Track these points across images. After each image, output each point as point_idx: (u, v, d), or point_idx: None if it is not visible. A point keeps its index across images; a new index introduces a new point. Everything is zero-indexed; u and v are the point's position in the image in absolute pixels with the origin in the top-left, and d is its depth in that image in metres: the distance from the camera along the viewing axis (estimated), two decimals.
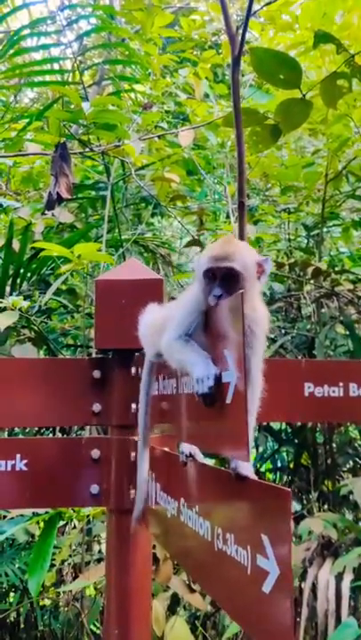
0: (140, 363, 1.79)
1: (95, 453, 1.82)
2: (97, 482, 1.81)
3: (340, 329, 3.84)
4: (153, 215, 5.30)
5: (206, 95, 4.59)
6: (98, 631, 3.85)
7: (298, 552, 3.06)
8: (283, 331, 3.71)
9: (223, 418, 0.92)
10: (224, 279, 1.25)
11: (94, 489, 1.80)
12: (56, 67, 4.44)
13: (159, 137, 4.05)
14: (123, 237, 4.19)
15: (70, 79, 4.05)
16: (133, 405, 1.78)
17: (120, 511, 1.78)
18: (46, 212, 3.37)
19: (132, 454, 1.77)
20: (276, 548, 0.85)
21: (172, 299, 4.51)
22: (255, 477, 1.02)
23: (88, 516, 2.62)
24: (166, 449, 1.60)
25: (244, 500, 1.00)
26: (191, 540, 1.17)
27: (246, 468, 1.01)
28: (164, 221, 6.21)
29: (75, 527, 3.27)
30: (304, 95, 2.29)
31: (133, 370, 1.82)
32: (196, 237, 4.19)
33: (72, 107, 3.66)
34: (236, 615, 1.02)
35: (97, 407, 1.85)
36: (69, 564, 3.75)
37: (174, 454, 1.37)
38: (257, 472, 3.98)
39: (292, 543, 3.19)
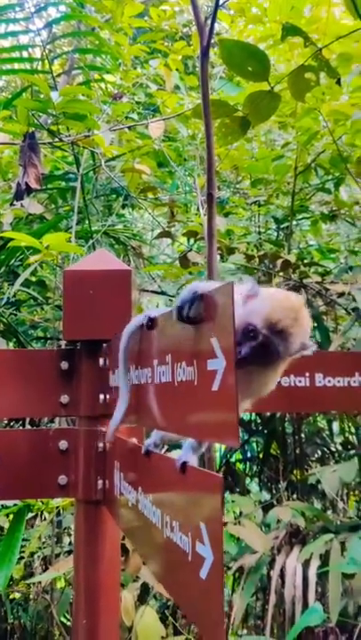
0: (108, 354, 1.79)
1: (63, 444, 1.82)
2: (65, 473, 1.81)
3: None
4: (124, 207, 5.28)
5: (177, 87, 4.57)
6: (68, 623, 3.85)
7: (267, 540, 3.10)
8: None
9: (209, 405, 0.93)
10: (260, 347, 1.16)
11: (62, 480, 1.80)
12: (25, 55, 4.37)
13: (129, 128, 4.02)
14: (93, 229, 4.17)
15: (39, 68, 4.00)
16: (101, 396, 1.79)
17: (88, 502, 1.78)
18: (15, 202, 3.32)
19: (100, 445, 1.77)
20: (211, 534, 0.87)
21: (144, 291, 4.51)
22: (195, 465, 1.04)
23: (58, 507, 2.61)
24: (134, 440, 1.61)
25: (186, 489, 1.02)
26: (147, 528, 1.19)
27: (188, 456, 1.03)
28: (135, 213, 6.19)
29: (45, 519, 3.26)
30: (272, 87, 2.30)
31: (102, 361, 1.81)
32: (167, 229, 4.19)
33: (41, 96, 3.61)
34: (180, 601, 1.05)
35: (65, 398, 1.85)
36: (39, 556, 3.73)
37: (138, 446, 1.38)
38: (227, 462, 4.02)
39: (262, 532, 3.23)
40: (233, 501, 3.43)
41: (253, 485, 4.23)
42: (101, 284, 1.83)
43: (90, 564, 1.82)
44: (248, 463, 4.22)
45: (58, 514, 3.46)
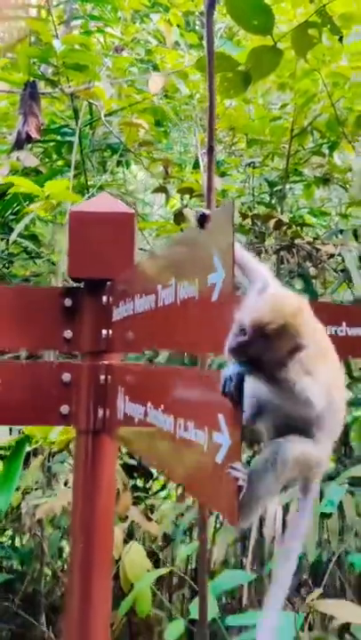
0: (112, 292, 1.88)
1: (66, 377, 1.91)
2: (67, 403, 1.90)
3: (299, 284, 3.99)
4: (118, 164, 5.29)
5: (177, 43, 4.56)
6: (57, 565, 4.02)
7: None
8: None
9: (208, 316, 1.03)
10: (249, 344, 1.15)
11: (64, 409, 1.90)
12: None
13: (130, 82, 4.03)
14: (89, 184, 4.20)
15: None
16: (104, 332, 1.88)
17: (89, 431, 1.88)
18: (15, 151, 3.34)
19: (102, 377, 1.87)
20: (229, 423, 0.98)
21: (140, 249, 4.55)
22: None
23: (52, 447, 2.73)
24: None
25: (203, 390, 1.13)
26: (157, 437, 1.30)
27: None
28: (128, 173, 6.20)
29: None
30: (276, 43, 2.35)
31: (105, 299, 1.90)
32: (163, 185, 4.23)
33: (42, 46, 3.60)
34: (193, 490, 1.17)
35: (68, 334, 1.93)
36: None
37: (139, 365, 1.49)
38: None
39: None
40: None
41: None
42: (106, 225, 1.90)
43: (88, 492, 1.92)
44: None
45: (49, 459, 3.59)
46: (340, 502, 2.69)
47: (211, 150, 2.31)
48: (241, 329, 1.11)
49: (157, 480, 4.38)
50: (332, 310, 2.35)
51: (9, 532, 4.41)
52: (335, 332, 2.21)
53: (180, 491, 4.08)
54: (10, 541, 4.41)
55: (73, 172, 3.78)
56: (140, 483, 4.10)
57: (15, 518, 3.99)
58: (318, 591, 2.35)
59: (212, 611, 2.55)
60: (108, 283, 1.89)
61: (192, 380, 1.19)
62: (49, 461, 3.59)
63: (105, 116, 3.89)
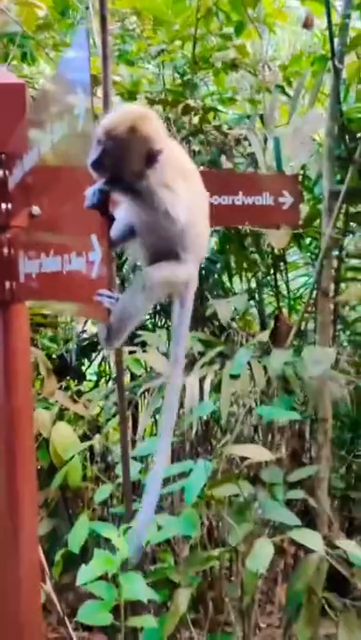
0: (7, 165, 1.89)
1: None
2: None
3: None
4: (23, 59, 5.01)
5: None
6: None
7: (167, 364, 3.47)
8: None
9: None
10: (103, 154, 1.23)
11: None
12: None
13: None
14: None
15: None
16: (3, 205, 1.90)
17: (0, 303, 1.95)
18: None
19: (5, 251, 1.92)
20: (100, 238, 1.12)
21: None
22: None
23: None
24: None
25: (81, 222, 1.23)
26: (50, 282, 1.42)
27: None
28: (33, 69, 5.88)
29: None
30: None
31: (0, 172, 1.91)
32: None
33: None
34: (75, 310, 1.28)
35: None
36: None
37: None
38: None
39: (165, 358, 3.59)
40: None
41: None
42: None
43: (6, 363, 2.02)
44: None
45: None
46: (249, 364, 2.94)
47: (103, 20, 2.27)
48: (97, 140, 1.21)
49: (90, 381, 4.52)
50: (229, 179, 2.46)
51: None
52: (232, 201, 2.34)
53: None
54: None
55: None
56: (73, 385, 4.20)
57: None
58: (229, 438, 2.61)
59: (135, 472, 2.80)
60: (2, 155, 1.90)
61: (74, 216, 1.28)
62: None
63: None
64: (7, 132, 1.88)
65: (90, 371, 4.56)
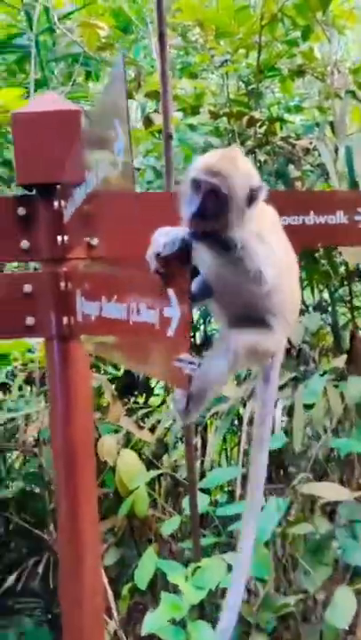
0: (62, 195, 1.82)
1: (27, 288, 1.88)
2: (31, 314, 1.89)
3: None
4: (88, 77, 5.04)
5: None
6: None
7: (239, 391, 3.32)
8: None
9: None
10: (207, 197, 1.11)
11: (30, 321, 1.88)
12: None
13: None
14: None
15: None
16: (59, 238, 1.83)
17: (56, 338, 1.88)
18: None
19: (62, 285, 1.84)
20: (179, 297, 0.98)
21: None
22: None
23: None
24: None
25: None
26: (112, 328, 1.30)
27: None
28: (98, 85, 5.91)
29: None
30: None
31: (56, 203, 1.84)
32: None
33: None
34: (148, 369, 1.16)
35: (25, 244, 1.89)
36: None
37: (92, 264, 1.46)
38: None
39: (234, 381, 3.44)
40: None
41: None
42: (51, 124, 1.81)
43: (64, 400, 1.94)
44: None
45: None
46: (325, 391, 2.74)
47: (162, 37, 2.18)
48: (193, 186, 1.08)
49: (157, 395, 4.44)
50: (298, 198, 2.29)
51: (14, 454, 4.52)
52: (303, 221, 2.16)
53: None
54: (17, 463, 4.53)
55: (34, 84, 3.59)
56: (140, 400, 4.13)
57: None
58: (303, 475, 2.43)
59: (203, 505, 2.66)
60: (58, 186, 1.82)
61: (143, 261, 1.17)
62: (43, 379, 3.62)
63: (60, 18, 3.65)
64: (62, 162, 1.81)
65: (157, 384, 4.48)
